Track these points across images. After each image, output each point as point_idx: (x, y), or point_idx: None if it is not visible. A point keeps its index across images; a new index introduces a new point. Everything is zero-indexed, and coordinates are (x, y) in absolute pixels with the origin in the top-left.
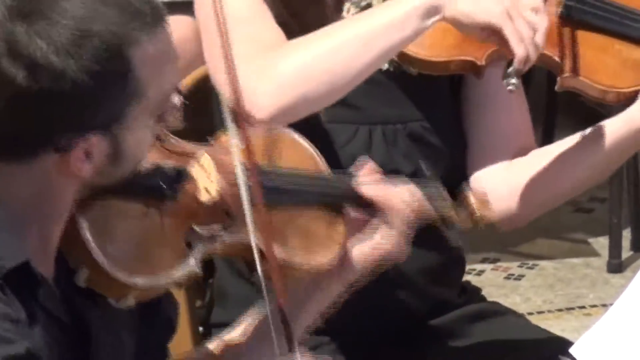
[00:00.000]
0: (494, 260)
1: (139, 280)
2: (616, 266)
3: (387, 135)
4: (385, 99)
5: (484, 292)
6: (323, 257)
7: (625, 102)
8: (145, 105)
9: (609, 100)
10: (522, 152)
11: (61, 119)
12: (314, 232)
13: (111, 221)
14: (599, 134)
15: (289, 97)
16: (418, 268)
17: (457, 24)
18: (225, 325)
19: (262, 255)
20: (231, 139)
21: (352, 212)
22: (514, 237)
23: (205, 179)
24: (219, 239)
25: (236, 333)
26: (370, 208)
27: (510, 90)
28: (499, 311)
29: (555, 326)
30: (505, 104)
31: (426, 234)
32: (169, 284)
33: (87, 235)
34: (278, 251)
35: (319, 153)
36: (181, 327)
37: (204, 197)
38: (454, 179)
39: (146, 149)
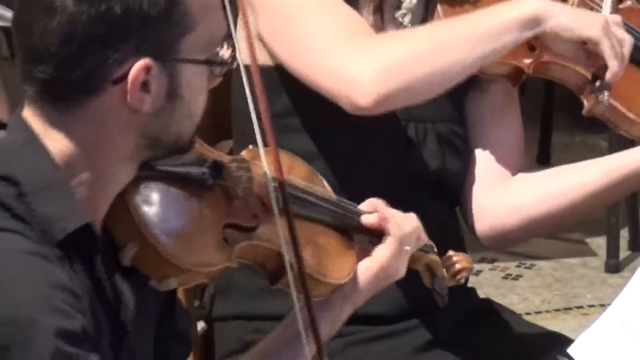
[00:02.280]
0: (492, 260)
1: (184, 261)
2: (614, 266)
3: (418, 132)
4: None
5: (481, 292)
6: (338, 275)
7: None
8: (194, 41)
9: (634, 134)
10: (517, 171)
11: (114, 38)
12: (330, 250)
13: (160, 201)
14: (605, 165)
15: (394, 83)
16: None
17: (556, 37)
18: (228, 317)
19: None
20: (260, 148)
21: (361, 238)
22: None
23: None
24: (251, 238)
25: (262, 344)
26: (374, 234)
27: (602, 103)
28: (494, 309)
29: (552, 326)
30: (508, 120)
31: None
32: (208, 272)
33: (141, 211)
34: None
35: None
36: None
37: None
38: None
39: (201, 100)
